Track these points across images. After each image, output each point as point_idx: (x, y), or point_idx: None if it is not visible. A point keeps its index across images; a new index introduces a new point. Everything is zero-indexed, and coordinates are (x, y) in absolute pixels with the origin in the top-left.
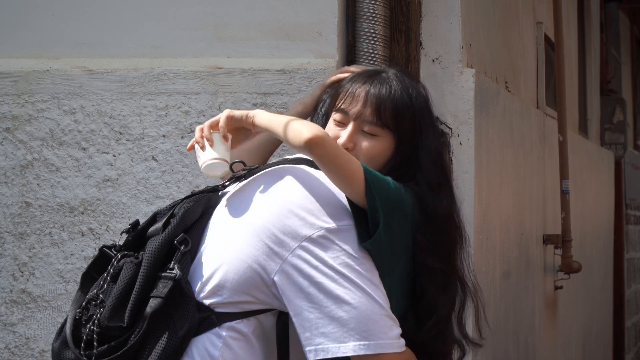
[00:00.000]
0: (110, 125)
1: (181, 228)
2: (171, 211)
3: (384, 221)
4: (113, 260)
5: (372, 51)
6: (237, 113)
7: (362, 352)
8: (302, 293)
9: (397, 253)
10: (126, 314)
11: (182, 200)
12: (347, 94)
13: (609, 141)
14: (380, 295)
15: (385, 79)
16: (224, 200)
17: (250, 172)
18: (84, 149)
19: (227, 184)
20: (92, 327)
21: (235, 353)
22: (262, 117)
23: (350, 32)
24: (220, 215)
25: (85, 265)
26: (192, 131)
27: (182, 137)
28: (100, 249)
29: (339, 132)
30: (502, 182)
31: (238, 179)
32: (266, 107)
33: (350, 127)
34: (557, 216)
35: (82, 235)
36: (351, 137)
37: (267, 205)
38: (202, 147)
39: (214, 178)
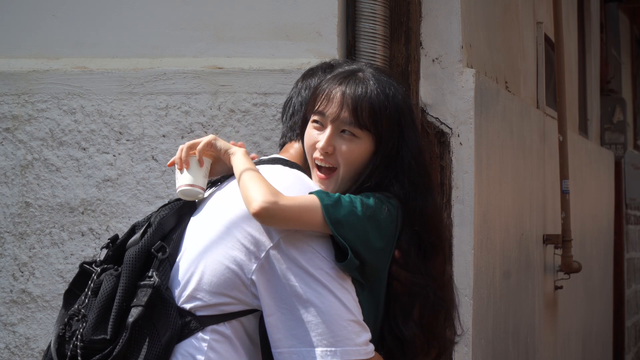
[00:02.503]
0: (110, 125)
1: (158, 236)
2: (148, 221)
3: (351, 252)
4: (93, 275)
5: (372, 51)
6: (219, 144)
7: (328, 359)
8: (276, 293)
9: (376, 264)
10: (109, 326)
11: (158, 209)
12: (324, 95)
13: (609, 141)
14: (350, 300)
15: (361, 79)
16: (200, 205)
17: (226, 176)
18: (84, 149)
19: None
20: (75, 342)
21: (221, 355)
22: (237, 162)
23: (350, 32)
24: (197, 220)
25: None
26: (192, 131)
27: (182, 137)
28: (81, 265)
29: (317, 136)
30: (502, 182)
31: (214, 183)
32: (266, 107)
33: (328, 130)
34: (557, 216)
35: (82, 235)
36: (329, 140)
37: (242, 207)
38: (180, 169)
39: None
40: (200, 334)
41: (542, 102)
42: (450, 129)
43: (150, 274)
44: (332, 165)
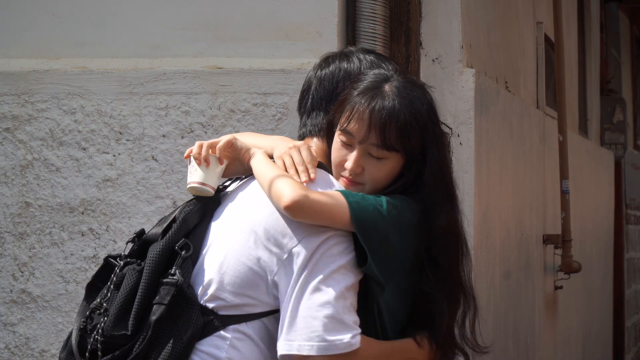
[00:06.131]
0: (110, 125)
1: (182, 233)
2: (173, 216)
3: (370, 257)
4: (116, 268)
5: None
6: (239, 144)
7: (313, 353)
8: (289, 290)
9: (395, 268)
10: (130, 322)
11: (184, 204)
12: (353, 113)
13: (609, 141)
14: (347, 305)
15: (389, 95)
16: (224, 202)
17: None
18: (84, 149)
19: (227, 183)
20: (96, 337)
21: (242, 354)
22: (257, 163)
23: (350, 32)
24: (221, 217)
25: (85, 265)
26: (192, 131)
27: (182, 137)
28: (105, 259)
29: (345, 156)
30: (502, 182)
31: (238, 177)
32: (266, 107)
33: (356, 151)
34: (557, 216)
35: (82, 235)
36: (358, 161)
37: (266, 207)
38: (199, 164)
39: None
40: (222, 332)
41: (542, 102)
42: (450, 129)
43: (173, 272)
44: (360, 182)
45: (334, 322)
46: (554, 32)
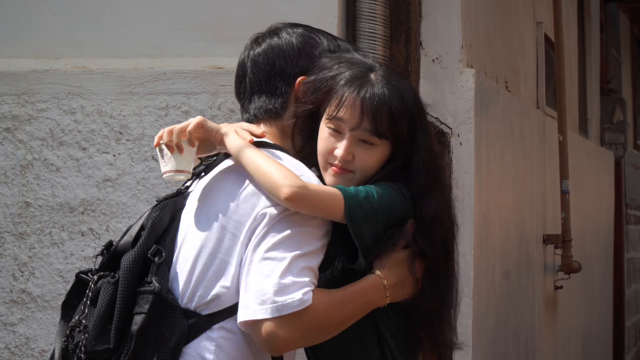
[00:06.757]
0: (110, 125)
1: (152, 239)
2: (141, 223)
3: (361, 253)
4: (90, 283)
5: (372, 51)
6: (209, 125)
7: (267, 315)
8: (245, 260)
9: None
10: (112, 335)
11: (150, 210)
12: (342, 101)
13: (609, 141)
14: (300, 267)
15: (375, 83)
16: (189, 202)
17: (209, 167)
18: (84, 149)
19: (188, 183)
20: (79, 354)
21: (229, 353)
22: (232, 142)
23: (350, 32)
24: (187, 217)
25: (85, 265)
26: None
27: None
28: (77, 275)
29: (334, 144)
30: (502, 182)
31: (198, 175)
32: None
33: (347, 138)
34: (557, 216)
35: (82, 235)
36: (349, 149)
37: (221, 194)
38: (172, 152)
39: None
40: (207, 333)
41: (542, 102)
42: (450, 128)
43: (149, 280)
44: (350, 170)
45: (284, 283)
46: (554, 32)
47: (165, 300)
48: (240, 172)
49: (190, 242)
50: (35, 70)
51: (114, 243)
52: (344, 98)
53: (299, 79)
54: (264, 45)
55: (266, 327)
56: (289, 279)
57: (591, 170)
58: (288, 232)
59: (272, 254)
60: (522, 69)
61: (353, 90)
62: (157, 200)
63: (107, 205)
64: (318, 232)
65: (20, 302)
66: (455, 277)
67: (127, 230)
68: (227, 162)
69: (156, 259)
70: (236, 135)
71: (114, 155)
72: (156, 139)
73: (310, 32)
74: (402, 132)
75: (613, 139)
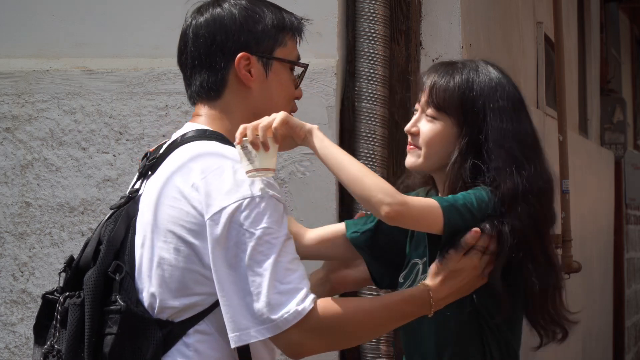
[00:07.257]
0: (110, 125)
1: (111, 255)
2: (98, 237)
3: None
4: (57, 305)
5: (372, 51)
6: (293, 121)
7: (268, 335)
8: (215, 268)
9: None
10: (85, 358)
11: (104, 222)
12: (421, 85)
13: (609, 141)
14: (282, 271)
15: (457, 68)
16: (141, 206)
17: (154, 165)
18: (84, 149)
19: (137, 186)
20: None
21: (208, 355)
22: (319, 142)
23: (350, 32)
24: (142, 225)
25: None
26: None
27: None
28: (43, 296)
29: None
30: None
31: (145, 175)
32: None
33: (417, 114)
34: (557, 216)
35: (82, 235)
36: (414, 122)
37: (178, 204)
38: (257, 149)
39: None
40: (183, 340)
41: (542, 102)
42: None
43: (114, 299)
44: (416, 145)
45: (275, 297)
46: (554, 32)
47: (136, 315)
48: (186, 172)
49: (149, 253)
50: (35, 70)
51: (75, 258)
52: (422, 81)
53: (239, 55)
54: (206, 15)
55: (273, 340)
56: (278, 292)
57: (591, 170)
58: (260, 230)
59: (250, 267)
60: (522, 69)
61: (430, 75)
62: (110, 209)
63: (107, 205)
64: (277, 220)
65: (20, 302)
66: (556, 257)
67: (86, 244)
68: (172, 159)
69: (117, 275)
70: (322, 134)
71: (114, 155)
72: (238, 136)
73: (254, 5)
74: (467, 109)
75: (613, 139)
